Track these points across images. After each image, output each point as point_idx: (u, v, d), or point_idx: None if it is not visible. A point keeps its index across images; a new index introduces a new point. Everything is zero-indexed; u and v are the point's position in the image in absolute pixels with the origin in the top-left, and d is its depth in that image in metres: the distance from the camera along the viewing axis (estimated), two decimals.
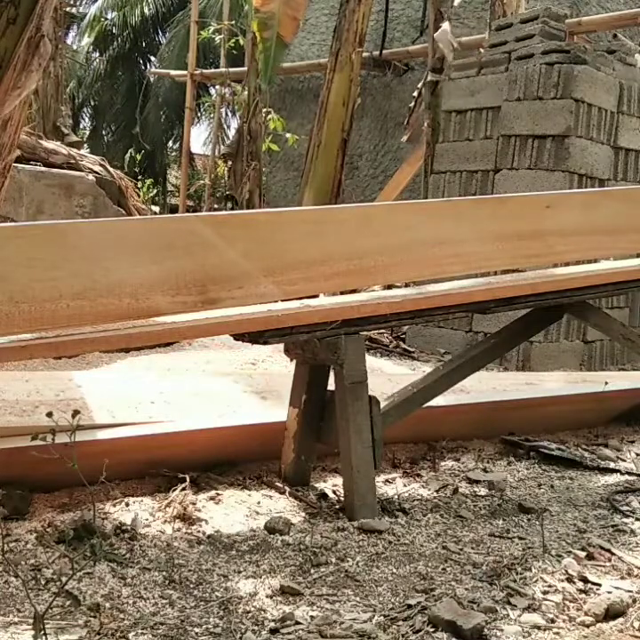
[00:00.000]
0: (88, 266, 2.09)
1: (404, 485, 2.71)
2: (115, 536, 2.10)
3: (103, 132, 19.35)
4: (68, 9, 11.31)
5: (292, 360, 2.61)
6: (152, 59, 19.30)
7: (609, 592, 1.86)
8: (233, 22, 10.11)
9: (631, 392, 3.14)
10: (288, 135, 8.68)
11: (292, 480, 2.60)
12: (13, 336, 2.13)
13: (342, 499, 2.48)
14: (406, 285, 4.37)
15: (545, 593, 1.85)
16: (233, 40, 9.41)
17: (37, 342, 2.14)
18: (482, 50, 6.32)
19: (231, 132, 14.08)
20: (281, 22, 7.79)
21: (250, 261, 2.30)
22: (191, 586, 1.90)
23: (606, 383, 3.25)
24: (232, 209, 8.17)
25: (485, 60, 5.70)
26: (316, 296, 2.79)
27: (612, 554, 2.11)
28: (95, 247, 2.12)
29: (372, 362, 4.15)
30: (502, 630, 1.67)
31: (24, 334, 2.10)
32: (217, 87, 11.33)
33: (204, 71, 11.79)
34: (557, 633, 1.68)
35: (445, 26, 8.74)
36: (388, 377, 3.46)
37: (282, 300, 2.45)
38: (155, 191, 12.05)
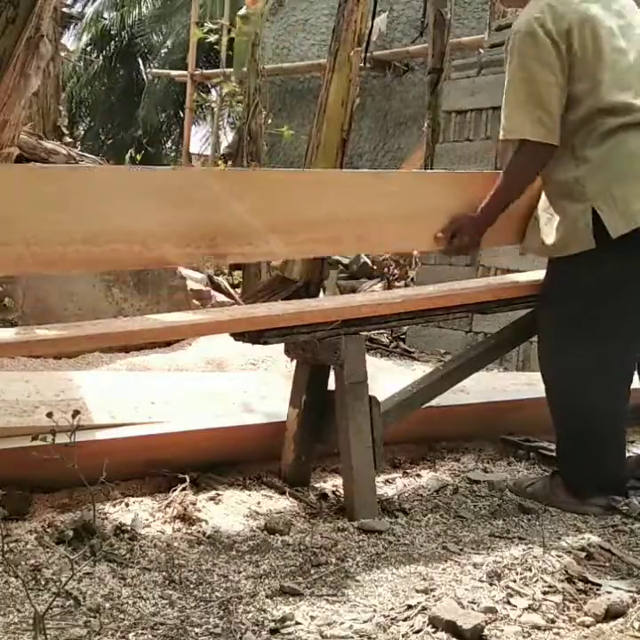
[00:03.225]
0: (100, 211, 2.09)
1: (404, 486, 2.71)
2: (115, 536, 2.09)
3: (100, 132, 19.37)
4: (66, 10, 11.31)
5: (292, 360, 2.61)
6: (149, 58, 19.35)
7: (609, 592, 1.86)
8: (218, 21, 10.09)
9: (631, 392, 3.13)
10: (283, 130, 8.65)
11: (292, 480, 2.60)
12: (13, 333, 2.13)
13: (342, 499, 2.48)
14: (406, 285, 4.38)
15: (545, 593, 1.84)
16: (227, 38, 9.41)
17: (37, 339, 2.15)
18: (482, 50, 6.32)
19: (228, 131, 14.08)
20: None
21: (260, 219, 2.31)
22: (191, 586, 1.90)
23: None
24: None
25: (485, 61, 5.70)
26: (322, 259, 2.80)
27: (612, 554, 2.11)
28: (108, 193, 2.12)
29: (372, 362, 4.15)
30: (502, 630, 1.67)
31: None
32: (217, 88, 11.33)
33: (205, 71, 11.79)
34: (557, 633, 1.68)
35: (382, 15, 8.90)
36: (387, 377, 3.46)
37: (288, 259, 2.48)
38: None
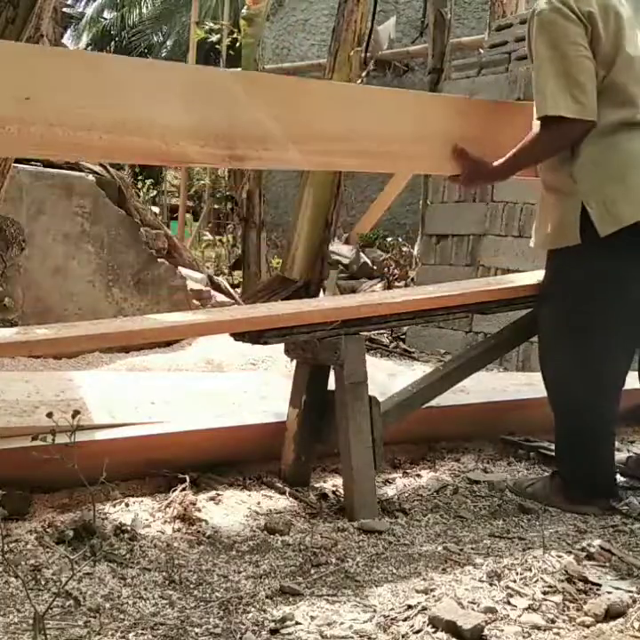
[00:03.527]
0: (121, 102, 2.09)
1: (404, 486, 2.71)
2: (115, 536, 2.10)
3: None
4: (66, 10, 11.33)
5: (292, 360, 2.61)
6: (149, 58, 19.32)
7: (609, 592, 1.86)
8: (221, 22, 10.08)
9: (631, 392, 3.14)
10: None
11: (292, 480, 2.60)
12: (13, 333, 2.13)
13: (342, 499, 2.48)
14: (406, 285, 4.38)
15: (545, 593, 1.84)
16: (229, 39, 9.41)
17: (37, 339, 2.15)
18: (482, 50, 6.32)
19: None
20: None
21: (279, 125, 2.32)
22: (191, 586, 1.90)
23: None
24: (232, 209, 8.17)
25: (485, 61, 5.70)
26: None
27: (612, 554, 2.11)
28: (130, 83, 2.12)
29: (372, 362, 4.15)
30: (502, 630, 1.67)
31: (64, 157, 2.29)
32: None
33: None
34: (557, 633, 1.68)
35: (391, 20, 8.86)
36: (387, 377, 3.46)
37: (305, 170, 2.49)
38: (155, 192, 12.02)
